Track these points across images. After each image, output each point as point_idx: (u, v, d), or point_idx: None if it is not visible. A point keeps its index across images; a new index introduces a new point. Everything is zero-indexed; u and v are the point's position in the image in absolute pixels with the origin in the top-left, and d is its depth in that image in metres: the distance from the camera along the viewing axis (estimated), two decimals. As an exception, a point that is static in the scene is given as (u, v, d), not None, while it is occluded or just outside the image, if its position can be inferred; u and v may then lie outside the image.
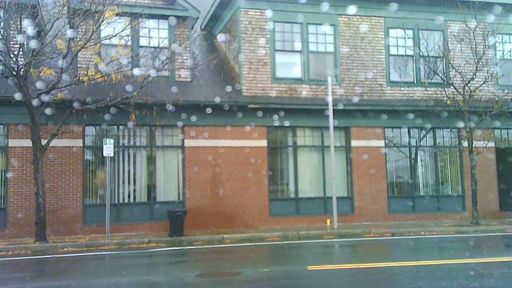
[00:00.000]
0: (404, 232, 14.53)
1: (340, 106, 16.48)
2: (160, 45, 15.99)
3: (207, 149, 15.91)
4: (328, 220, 15.71)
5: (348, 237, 13.91)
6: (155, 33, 16.48)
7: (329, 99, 15.63)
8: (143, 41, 16.39)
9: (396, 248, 12.30)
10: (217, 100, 15.80)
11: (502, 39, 17.85)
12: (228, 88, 16.76)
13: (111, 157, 13.87)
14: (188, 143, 15.80)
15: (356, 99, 17.07)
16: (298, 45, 17.12)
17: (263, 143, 16.35)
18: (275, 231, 14.60)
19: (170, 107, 14.76)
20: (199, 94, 16.23)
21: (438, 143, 17.89)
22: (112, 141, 13.69)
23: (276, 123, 16.50)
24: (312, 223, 16.16)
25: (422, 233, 14.43)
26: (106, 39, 14.16)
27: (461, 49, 17.13)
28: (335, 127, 16.11)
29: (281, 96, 16.66)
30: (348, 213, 16.58)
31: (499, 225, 15.59)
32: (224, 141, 16.09)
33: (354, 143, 17.06)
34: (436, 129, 17.76)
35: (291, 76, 16.99)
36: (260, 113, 16.23)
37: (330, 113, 15.58)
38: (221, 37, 19.20)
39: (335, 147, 16.15)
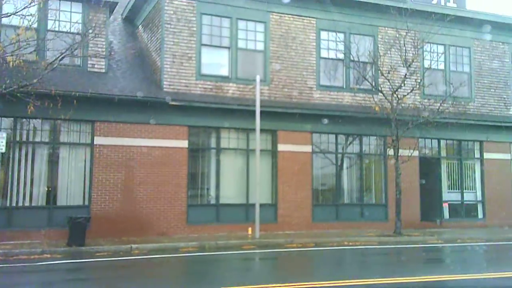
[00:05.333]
0: (327, 242, 13.89)
1: (268, 108, 15.65)
2: (72, 30, 14.21)
3: (120, 148, 14.36)
4: (250, 229, 14.73)
5: (269, 248, 13.01)
6: (66, 16, 14.65)
7: (257, 100, 14.69)
8: (52, 25, 14.45)
9: (319, 261, 11.56)
10: (134, 94, 14.37)
11: (430, 48, 17.85)
12: (148, 83, 15.40)
13: (2, 153, 11.97)
14: (98, 140, 14.15)
15: (284, 101, 16.32)
16: (226, 41, 16.04)
17: (184, 143, 15.08)
18: (191, 240, 13.38)
19: (78, 99, 13.09)
20: (113, 87, 14.64)
21: (364, 151, 17.53)
22: (4, 134, 11.85)
23: (199, 123, 15.34)
24: (233, 231, 15.11)
25: (346, 243, 13.89)
26: (4, 16, 12.30)
27: (391, 56, 16.87)
28: (261, 130, 15.20)
29: (206, 94, 15.50)
30: (271, 221, 15.70)
31: (421, 235, 15.43)
32: (140, 140, 14.62)
33: (281, 147, 16.24)
34: (363, 136, 17.40)
35: (218, 74, 15.86)
36: (182, 111, 14.96)
37: (257, 114, 14.65)
38: (143, 27, 17.70)
39: (261, 150, 15.25)
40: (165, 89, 15.11)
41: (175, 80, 15.29)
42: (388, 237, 14.97)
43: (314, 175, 16.62)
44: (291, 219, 15.91)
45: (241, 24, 16.19)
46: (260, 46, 16.44)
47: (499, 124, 18.35)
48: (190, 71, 15.49)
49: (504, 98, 19.04)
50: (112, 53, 16.38)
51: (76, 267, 10.22)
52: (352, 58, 16.84)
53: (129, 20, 18.72)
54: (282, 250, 12.72)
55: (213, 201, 15.47)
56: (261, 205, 14.70)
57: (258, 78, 14.73)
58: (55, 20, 13.93)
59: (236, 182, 15.88)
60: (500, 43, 19.11)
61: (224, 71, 15.95)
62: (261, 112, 14.92)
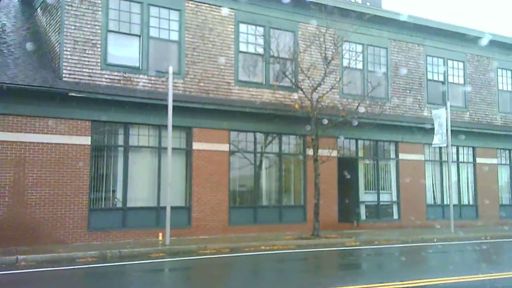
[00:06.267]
0: (244, 247, 13.02)
1: (182, 103, 14.51)
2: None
3: (9, 145, 12.48)
4: (161, 234, 13.47)
5: (180, 255, 11.85)
6: None
7: (169, 93, 13.44)
8: None
9: (233, 270, 10.62)
10: (27, 83, 12.60)
11: (349, 47, 17.63)
12: (45, 71, 13.65)
13: None
14: (-20, 135, 12.20)
15: (201, 96, 15.24)
16: (136, 28, 14.63)
17: (86, 140, 13.46)
18: (92, 249, 11.83)
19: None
20: (3, 74, 12.72)
21: (284, 150, 16.90)
22: None
23: (105, 118, 13.80)
24: (142, 237, 13.77)
25: (263, 247, 13.09)
26: None
27: (311, 53, 16.43)
28: (175, 127, 14.04)
29: (113, 86, 14.01)
30: (185, 225, 14.54)
31: (339, 237, 15.05)
32: (34, 135, 12.81)
33: (196, 145, 15.12)
34: (282, 135, 16.76)
35: (127, 63, 14.41)
36: (84, 104, 13.36)
37: (169, 109, 13.40)
38: (41, 10, 15.75)
39: (174, 149, 14.11)
40: (64, 79, 13.43)
41: (77, 69, 13.65)
42: (307, 240, 14.40)
43: (231, 175, 15.70)
44: (206, 223, 14.86)
45: (154, 10, 14.87)
46: (174, 36, 15.22)
47: (413, 125, 18.58)
48: (95, 59, 13.92)
49: (419, 99, 19.36)
50: (3, 36, 14.36)
51: None
52: (272, 54, 16.17)
53: (26, 2, 16.68)
54: (194, 257, 11.62)
55: (119, 205, 13.98)
56: (173, 208, 13.50)
57: (170, 69, 13.48)
58: None
59: (146, 184, 14.53)
60: (416, 45, 19.40)
61: (134, 61, 14.55)
62: (175, 107, 13.71)
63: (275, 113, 16.05)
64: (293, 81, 16.31)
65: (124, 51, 14.52)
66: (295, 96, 16.13)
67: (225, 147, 15.58)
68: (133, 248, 12.07)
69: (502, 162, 21.24)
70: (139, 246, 12.44)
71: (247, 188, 16.21)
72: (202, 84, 15.47)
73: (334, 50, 15.78)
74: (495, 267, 10.33)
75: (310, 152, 15.92)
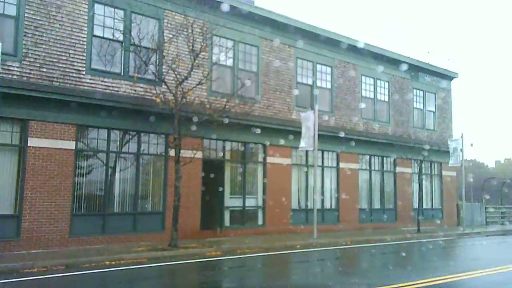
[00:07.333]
0: (84, 263, 11.05)
1: (17, 90, 12.11)
2: None
3: None
4: (-24, 251, 10.92)
5: (-2, 278, 9.53)
6: None
7: (-5, 77, 10.97)
8: None
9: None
10: None
11: (219, 42, 16.48)
12: None
13: None
14: None
15: (42, 84, 12.88)
16: (-43, -6, 11.82)
17: None
18: None
19: None
20: None
21: (143, 150, 15.15)
22: None
23: None
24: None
25: (108, 263, 11.28)
26: None
27: (177, 44, 14.96)
28: (5, 118, 11.79)
29: None
30: (12, 237, 12.05)
31: (199, 247, 13.77)
32: None
33: (32, 142, 12.71)
34: (142, 133, 15.02)
35: None
36: None
37: (-5, 96, 10.94)
38: None
39: (2, 145, 11.74)
40: None
41: None
42: (162, 251, 12.86)
43: (77, 178, 13.56)
44: (40, 234, 12.52)
45: (-18, -25, 12.18)
46: (10, 10, 12.69)
47: (282, 127, 18.07)
48: None
49: (288, 101, 18.92)
50: None
51: None
52: (132, 41, 14.36)
53: None
54: (13, 279, 9.35)
55: None
56: (-3, 217, 11.06)
57: (-2, 47, 11.02)
58: None
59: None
60: (287, 46, 18.95)
61: (-48, 35, 11.74)
62: (6, 94, 11.37)
63: (134, 108, 14.30)
64: (157, 73, 14.67)
65: None
66: (158, 90, 14.52)
67: (70, 144, 13.38)
68: None
69: (363, 167, 21.86)
70: None
71: (96, 193, 14.12)
72: (44, 69, 13.11)
73: (203, 43, 14.49)
74: (358, 279, 9.86)
75: (172, 152, 14.43)
